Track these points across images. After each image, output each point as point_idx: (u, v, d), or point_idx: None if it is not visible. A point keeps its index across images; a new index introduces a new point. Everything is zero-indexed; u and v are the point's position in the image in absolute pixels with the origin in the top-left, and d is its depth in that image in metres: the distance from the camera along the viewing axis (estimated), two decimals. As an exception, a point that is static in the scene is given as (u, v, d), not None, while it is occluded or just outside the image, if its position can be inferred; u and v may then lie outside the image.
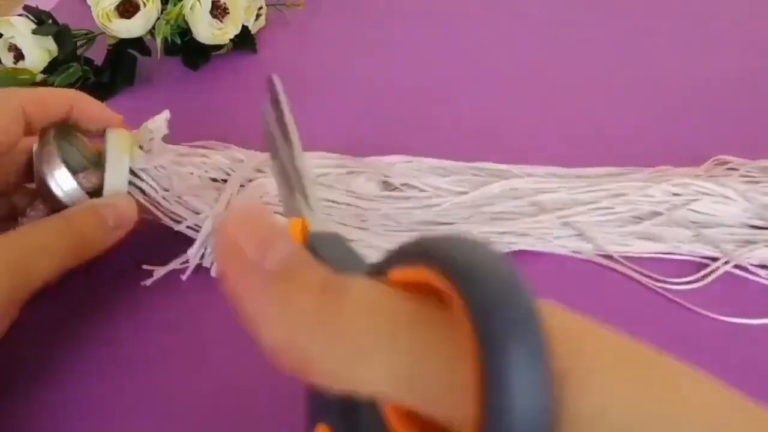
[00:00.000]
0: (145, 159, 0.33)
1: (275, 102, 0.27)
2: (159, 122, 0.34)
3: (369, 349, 0.12)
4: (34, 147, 0.32)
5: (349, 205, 0.36)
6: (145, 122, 0.34)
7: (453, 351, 0.12)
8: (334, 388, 0.13)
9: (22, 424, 0.27)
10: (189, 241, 0.33)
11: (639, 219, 0.36)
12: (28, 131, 0.31)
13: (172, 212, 0.33)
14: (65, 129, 0.32)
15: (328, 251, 0.17)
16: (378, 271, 0.14)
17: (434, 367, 0.12)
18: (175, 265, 0.34)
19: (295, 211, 0.21)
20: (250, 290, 0.13)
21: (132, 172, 0.33)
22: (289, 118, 0.26)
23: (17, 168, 0.33)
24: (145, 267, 0.34)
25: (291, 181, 0.22)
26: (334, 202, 0.36)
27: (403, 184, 0.38)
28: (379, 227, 0.35)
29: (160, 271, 0.33)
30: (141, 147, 0.34)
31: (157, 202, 0.33)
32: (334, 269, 0.14)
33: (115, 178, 0.32)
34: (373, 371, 0.12)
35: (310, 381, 0.13)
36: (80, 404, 0.28)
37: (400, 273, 0.14)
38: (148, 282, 0.33)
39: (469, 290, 0.11)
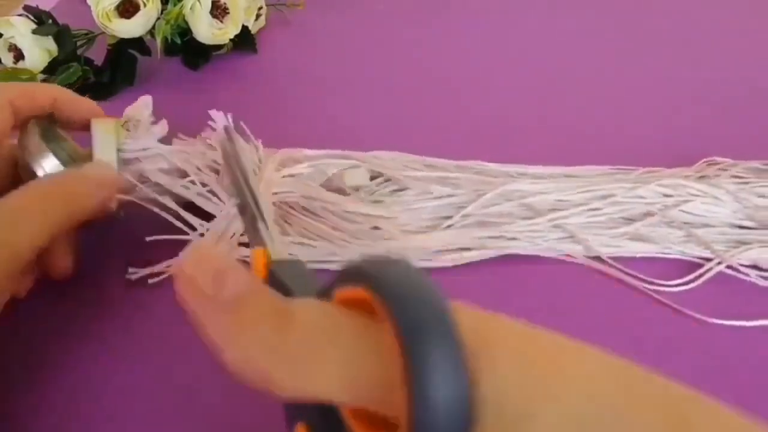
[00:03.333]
0: (131, 141, 0.33)
1: (230, 139, 0.30)
2: (140, 106, 0.35)
3: (317, 363, 0.14)
4: (18, 141, 0.32)
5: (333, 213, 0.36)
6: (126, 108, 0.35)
7: (386, 355, 0.14)
8: (290, 398, 0.15)
9: (20, 421, 0.27)
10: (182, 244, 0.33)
11: (630, 220, 0.37)
12: (16, 125, 0.31)
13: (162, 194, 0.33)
14: (47, 122, 0.32)
15: (288, 277, 0.20)
16: (327, 291, 0.17)
17: (371, 371, 0.14)
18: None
19: (258, 240, 0.23)
20: (210, 320, 0.15)
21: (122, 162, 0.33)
22: (243, 152, 0.29)
23: (3, 173, 0.32)
24: (131, 270, 0.33)
25: (252, 213, 0.24)
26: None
27: (387, 179, 0.38)
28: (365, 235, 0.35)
29: (150, 269, 0.33)
30: (128, 130, 0.34)
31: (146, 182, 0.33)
32: (295, 293, 0.18)
33: (104, 156, 0.32)
34: (323, 380, 0.14)
35: (270, 394, 0.15)
36: (74, 400, 0.28)
37: (342, 292, 0.16)
38: (153, 280, 0.33)
39: (390, 302, 0.14)
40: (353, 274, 0.15)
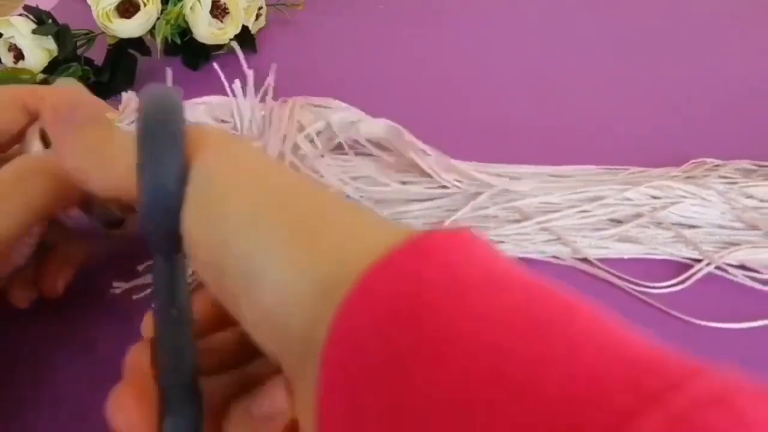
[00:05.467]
0: (123, 124, 0.34)
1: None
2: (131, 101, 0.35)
3: (112, 164, 0.20)
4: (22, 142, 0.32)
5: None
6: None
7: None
8: (95, 191, 0.21)
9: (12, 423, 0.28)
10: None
11: (618, 222, 0.37)
12: (31, 123, 0.30)
13: None
14: None
15: None
16: None
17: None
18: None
19: None
20: (60, 133, 0.22)
21: None
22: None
23: None
24: (115, 284, 0.33)
25: None
26: None
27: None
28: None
29: (134, 283, 0.33)
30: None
31: None
32: None
33: None
34: (113, 176, 0.20)
35: (84, 186, 0.21)
36: (66, 404, 0.28)
37: None
38: (138, 296, 0.33)
39: (139, 109, 0.19)
40: (140, 95, 0.20)
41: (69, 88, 0.24)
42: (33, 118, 0.31)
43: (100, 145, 0.21)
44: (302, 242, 0.17)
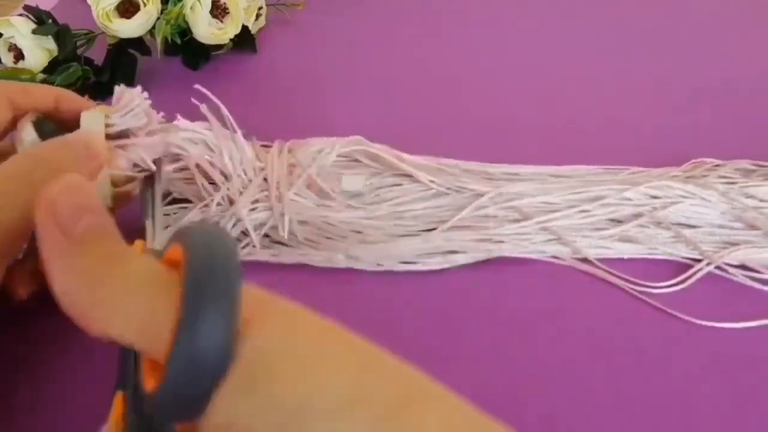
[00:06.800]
0: (118, 116, 0.32)
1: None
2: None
3: (125, 306, 0.16)
4: (15, 136, 0.31)
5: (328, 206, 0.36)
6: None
7: (174, 304, 0.15)
8: (101, 336, 0.16)
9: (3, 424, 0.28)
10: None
11: (618, 222, 0.37)
12: (14, 122, 0.31)
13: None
14: (42, 117, 0.32)
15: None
16: (160, 253, 0.18)
17: (164, 320, 0.15)
18: None
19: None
20: (54, 247, 0.16)
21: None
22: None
23: None
24: None
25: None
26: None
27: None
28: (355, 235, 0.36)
29: None
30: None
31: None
32: None
33: (91, 126, 0.31)
34: (126, 323, 0.16)
35: (83, 326, 0.16)
36: (60, 405, 0.28)
37: (167, 253, 0.17)
38: None
39: (186, 254, 0.16)
40: (175, 234, 0.17)
41: (72, 180, 0.17)
42: (19, 115, 0.31)
43: (107, 275, 0.16)
44: None
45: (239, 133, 0.37)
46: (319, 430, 0.15)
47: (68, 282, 0.16)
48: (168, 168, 0.36)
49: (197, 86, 0.37)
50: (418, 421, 0.15)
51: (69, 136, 0.30)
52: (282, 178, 0.36)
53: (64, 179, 0.17)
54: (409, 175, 0.38)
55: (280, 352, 0.15)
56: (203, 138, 0.35)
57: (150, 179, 0.33)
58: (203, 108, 0.36)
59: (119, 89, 0.34)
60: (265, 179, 0.36)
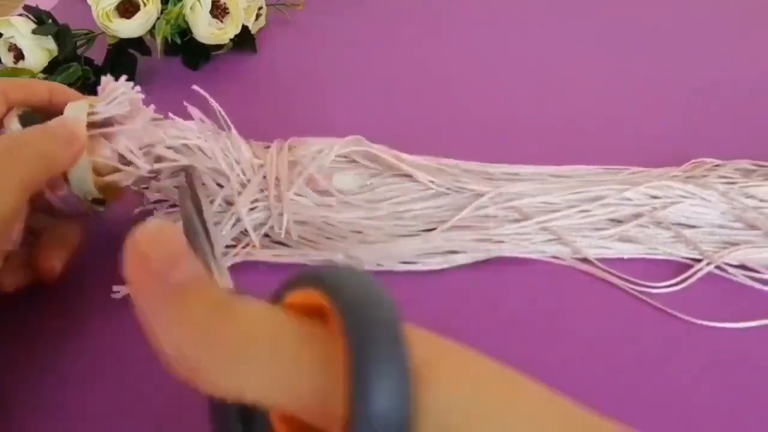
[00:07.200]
0: (104, 108, 0.32)
1: (189, 181, 0.33)
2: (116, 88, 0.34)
3: (251, 359, 0.14)
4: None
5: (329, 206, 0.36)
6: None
7: (329, 361, 0.14)
8: (220, 395, 0.14)
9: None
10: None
11: (618, 222, 0.37)
12: (4, 114, 0.31)
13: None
14: (30, 110, 0.32)
15: None
16: (278, 295, 0.17)
17: (314, 378, 0.14)
18: None
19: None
20: (153, 301, 0.15)
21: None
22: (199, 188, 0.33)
23: None
24: (115, 288, 0.33)
25: (202, 248, 0.23)
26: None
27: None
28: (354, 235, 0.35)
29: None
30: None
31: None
32: None
33: (72, 113, 0.31)
34: (256, 382, 0.14)
35: (200, 388, 0.14)
36: (54, 409, 0.28)
37: (294, 296, 0.16)
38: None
39: (344, 309, 0.14)
40: (310, 279, 0.16)
41: (160, 229, 0.15)
42: (9, 108, 0.31)
43: (214, 331, 0.14)
44: None
45: (234, 130, 0.37)
46: None
47: (179, 342, 0.14)
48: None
49: (195, 87, 0.37)
50: None
51: (49, 122, 0.30)
52: (282, 177, 0.36)
53: (148, 225, 0.15)
54: (408, 175, 0.38)
55: (467, 404, 0.14)
56: (196, 135, 0.35)
57: (185, 196, 0.31)
58: (192, 110, 0.36)
59: (105, 79, 0.34)
60: (264, 177, 0.36)
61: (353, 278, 0.15)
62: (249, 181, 0.36)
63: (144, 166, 0.32)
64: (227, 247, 0.35)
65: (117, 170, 0.32)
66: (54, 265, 0.30)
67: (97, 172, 0.31)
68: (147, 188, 0.35)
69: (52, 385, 0.29)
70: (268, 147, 0.39)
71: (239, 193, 0.35)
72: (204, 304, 0.15)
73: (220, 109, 0.37)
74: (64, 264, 0.31)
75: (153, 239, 0.15)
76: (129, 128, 0.32)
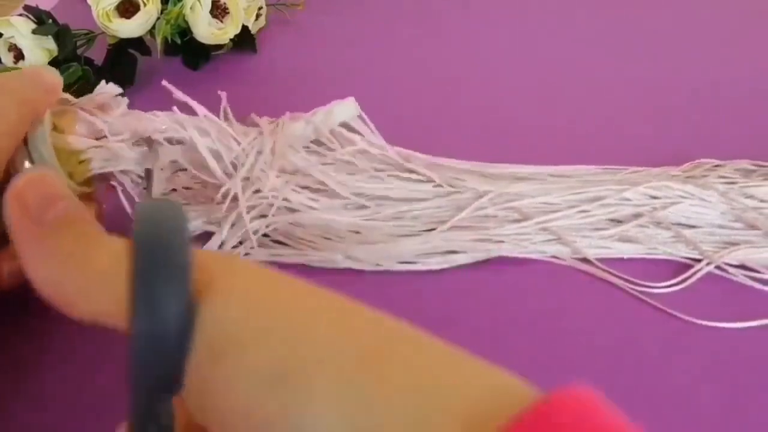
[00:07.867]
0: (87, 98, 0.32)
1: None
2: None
3: (107, 286, 0.16)
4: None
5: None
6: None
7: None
8: (80, 318, 0.16)
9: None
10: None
11: (618, 222, 0.37)
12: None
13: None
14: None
15: None
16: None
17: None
18: None
19: None
20: (29, 240, 0.17)
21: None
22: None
23: None
24: None
25: None
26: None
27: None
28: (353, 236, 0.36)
29: None
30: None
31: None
32: None
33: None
34: (107, 302, 0.16)
35: (65, 312, 0.16)
36: (50, 398, 0.28)
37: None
38: None
39: (134, 235, 0.15)
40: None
41: (39, 174, 0.17)
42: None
43: (78, 260, 0.16)
44: (363, 403, 0.14)
45: (222, 119, 0.37)
46: (292, 390, 0.14)
47: (46, 268, 0.16)
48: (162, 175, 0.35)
49: (164, 83, 0.37)
50: (389, 371, 0.14)
51: (27, 68, 0.29)
52: (276, 154, 0.36)
53: (27, 174, 0.17)
54: (408, 175, 0.38)
55: (242, 321, 0.15)
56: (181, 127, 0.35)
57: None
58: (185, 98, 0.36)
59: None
60: (264, 171, 0.36)
61: (147, 206, 0.16)
62: (247, 179, 0.36)
63: (119, 145, 0.31)
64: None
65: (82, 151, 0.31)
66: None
67: (70, 151, 0.30)
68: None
69: (47, 380, 0.29)
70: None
71: (238, 193, 0.35)
72: (71, 238, 0.17)
73: (192, 101, 0.37)
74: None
75: (31, 184, 0.17)
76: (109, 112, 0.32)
